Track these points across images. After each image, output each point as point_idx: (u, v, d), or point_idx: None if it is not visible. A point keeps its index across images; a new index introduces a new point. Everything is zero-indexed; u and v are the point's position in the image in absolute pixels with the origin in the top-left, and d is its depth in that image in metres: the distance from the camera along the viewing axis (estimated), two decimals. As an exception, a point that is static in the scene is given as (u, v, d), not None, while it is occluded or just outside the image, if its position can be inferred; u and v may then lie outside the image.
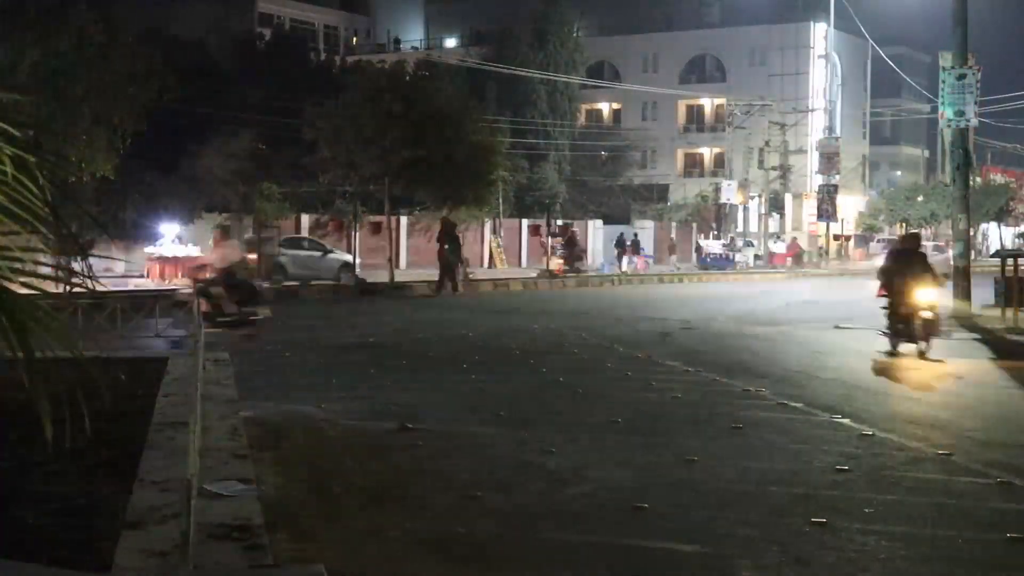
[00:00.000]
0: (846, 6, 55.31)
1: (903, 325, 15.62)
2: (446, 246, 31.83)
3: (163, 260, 31.23)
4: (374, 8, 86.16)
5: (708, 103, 74.19)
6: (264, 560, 5.15)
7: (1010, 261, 21.54)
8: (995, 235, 73.10)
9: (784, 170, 63.85)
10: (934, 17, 54.78)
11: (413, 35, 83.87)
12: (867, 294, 30.56)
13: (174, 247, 32.26)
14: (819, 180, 61.05)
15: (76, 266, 4.15)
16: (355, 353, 15.85)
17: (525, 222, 52.59)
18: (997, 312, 21.50)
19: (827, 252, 58.34)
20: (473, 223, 42.24)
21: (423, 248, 44.61)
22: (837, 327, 20.44)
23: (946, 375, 14.15)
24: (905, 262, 15.87)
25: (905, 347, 15.66)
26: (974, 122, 22.47)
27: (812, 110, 67.88)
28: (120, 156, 22.52)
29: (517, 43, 62.02)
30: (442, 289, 31.18)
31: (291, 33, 60.34)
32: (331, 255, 35.94)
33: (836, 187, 57.43)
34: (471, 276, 36.70)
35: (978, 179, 57.86)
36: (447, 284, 31.38)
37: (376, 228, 39.35)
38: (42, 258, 3.87)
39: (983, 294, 23.02)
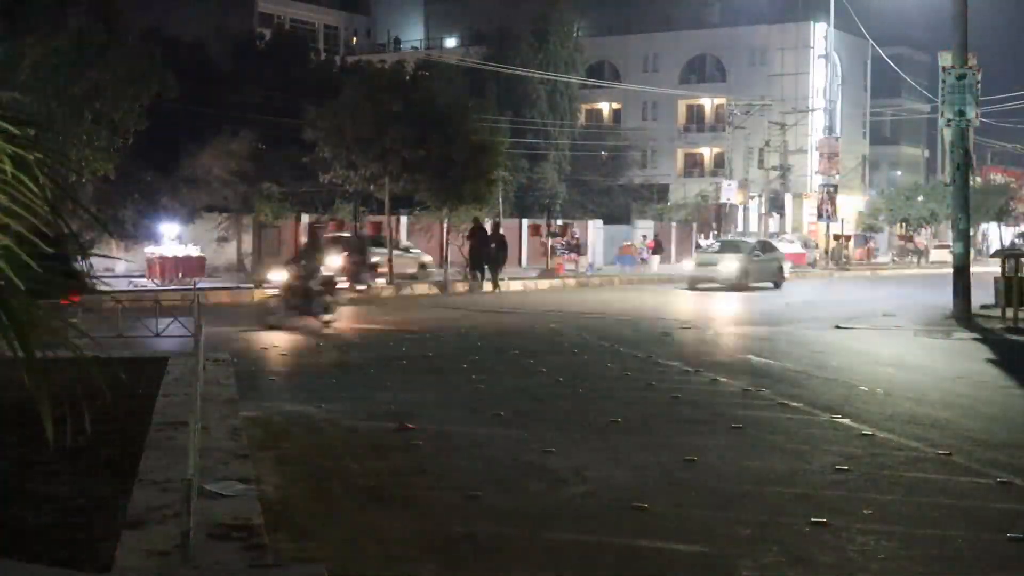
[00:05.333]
0: (846, 6, 55.29)
1: None
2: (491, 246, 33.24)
3: (163, 260, 31.22)
4: (374, 8, 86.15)
5: (708, 103, 74.19)
6: (264, 560, 5.15)
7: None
8: (995, 235, 73.10)
9: (784, 170, 63.88)
10: (934, 17, 54.78)
11: (413, 35, 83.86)
12: (870, 295, 30.67)
13: (174, 247, 32.25)
14: (819, 180, 61.04)
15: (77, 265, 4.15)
16: (355, 353, 15.86)
17: (525, 222, 52.59)
18: (997, 312, 21.49)
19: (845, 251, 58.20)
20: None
21: (423, 248, 44.63)
22: (837, 327, 20.44)
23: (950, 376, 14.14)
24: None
25: None
26: (974, 122, 22.46)
27: (812, 110, 67.88)
28: (120, 156, 22.54)
29: (517, 43, 61.99)
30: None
31: (291, 33, 60.24)
32: None
33: (836, 187, 57.42)
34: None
35: (978, 179, 57.83)
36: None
37: (376, 228, 39.36)
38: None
39: (983, 294, 23.02)
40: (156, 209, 33.81)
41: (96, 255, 15.13)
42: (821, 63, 70.14)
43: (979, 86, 22.24)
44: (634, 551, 6.08)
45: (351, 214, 37.32)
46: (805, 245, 58.84)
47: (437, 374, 13.57)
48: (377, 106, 31.58)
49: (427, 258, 39.37)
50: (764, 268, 35.42)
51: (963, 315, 21.78)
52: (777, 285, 35.38)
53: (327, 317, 19.11)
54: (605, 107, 76.11)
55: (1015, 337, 19.04)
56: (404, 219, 42.87)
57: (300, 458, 8.35)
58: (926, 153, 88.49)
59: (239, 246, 38.11)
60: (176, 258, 31.35)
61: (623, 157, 68.86)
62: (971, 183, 24.19)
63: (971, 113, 22.09)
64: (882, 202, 69.40)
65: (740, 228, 63.98)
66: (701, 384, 12.72)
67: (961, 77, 22.06)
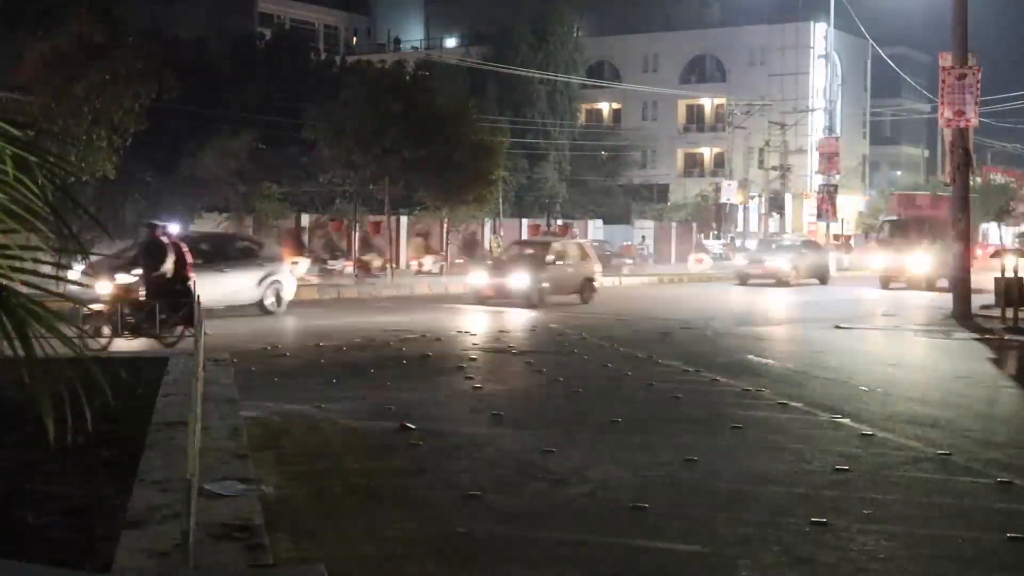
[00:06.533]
0: (846, 6, 55.29)
1: None
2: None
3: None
4: (374, 8, 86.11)
5: (708, 103, 74.17)
6: (264, 560, 5.15)
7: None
8: (995, 235, 73.05)
9: (784, 170, 63.83)
10: (934, 17, 54.76)
11: (413, 35, 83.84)
12: (870, 295, 30.60)
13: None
14: (819, 180, 61.04)
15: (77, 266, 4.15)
16: (355, 353, 15.84)
17: (525, 222, 52.61)
18: (997, 312, 21.48)
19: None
20: (473, 223, 42.28)
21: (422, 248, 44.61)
22: (837, 327, 20.43)
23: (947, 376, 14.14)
24: None
25: None
26: (974, 122, 22.45)
27: (812, 110, 67.87)
28: (120, 156, 22.52)
29: (517, 43, 62.00)
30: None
31: (291, 33, 60.27)
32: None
33: (836, 187, 57.43)
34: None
35: (978, 179, 57.77)
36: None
37: (376, 228, 39.39)
38: (42, 257, 3.87)
39: (983, 294, 23.01)
40: (156, 209, 33.78)
41: (96, 254, 15.14)
42: (821, 63, 70.14)
43: (979, 86, 22.24)
44: (634, 551, 6.08)
45: (351, 214, 37.29)
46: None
47: (436, 374, 13.56)
48: (377, 106, 31.61)
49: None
50: (812, 265, 37.59)
51: (963, 315, 21.77)
52: (823, 282, 37.13)
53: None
54: (605, 107, 76.08)
55: (1015, 337, 19.03)
56: (404, 219, 42.89)
57: (300, 458, 8.35)
58: (926, 153, 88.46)
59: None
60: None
61: (623, 157, 68.83)
62: (971, 183, 24.18)
63: (971, 113, 22.08)
64: (882, 202, 69.37)
65: (740, 228, 63.99)
66: (701, 384, 12.72)
67: (961, 77, 22.06)
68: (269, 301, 21.86)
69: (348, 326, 19.54)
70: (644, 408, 10.99)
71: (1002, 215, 67.90)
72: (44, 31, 20.46)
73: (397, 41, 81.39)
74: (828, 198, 56.06)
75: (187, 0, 59.91)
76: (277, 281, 22.12)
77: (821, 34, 68.09)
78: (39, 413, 3.30)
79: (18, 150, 3.50)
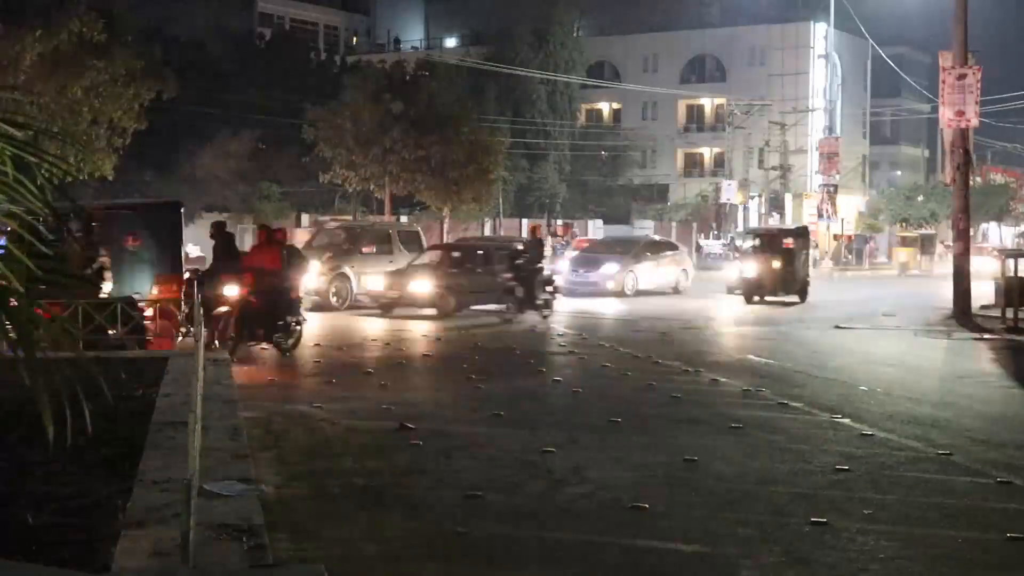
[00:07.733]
0: (846, 6, 55.27)
1: None
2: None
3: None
4: (374, 8, 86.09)
5: (708, 103, 74.14)
6: (264, 560, 5.15)
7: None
8: (995, 235, 73.06)
9: (784, 170, 63.84)
10: (934, 17, 54.75)
11: (413, 35, 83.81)
12: (870, 295, 30.57)
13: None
14: (819, 180, 61.05)
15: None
16: (354, 353, 15.85)
17: (525, 222, 52.62)
18: (997, 312, 21.48)
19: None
20: (473, 223, 42.27)
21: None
22: (837, 327, 20.43)
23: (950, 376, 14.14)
24: None
25: None
26: (974, 122, 22.45)
27: (812, 110, 67.83)
28: (119, 156, 22.52)
29: (517, 43, 61.99)
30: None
31: (291, 33, 60.28)
32: None
33: (836, 187, 57.42)
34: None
35: (978, 179, 57.78)
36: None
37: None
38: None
39: (983, 294, 23.00)
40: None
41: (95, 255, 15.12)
42: (821, 63, 70.10)
43: (979, 86, 22.23)
44: (634, 551, 6.08)
45: (351, 213, 37.36)
46: None
47: (436, 374, 13.56)
48: (377, 106, 31.63)
49: None
50: None
51: (963, 315, 21.77)
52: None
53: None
54: (605, 107, 76.04)
55: (1015, 337, 19.03)
56: (404, 219, 42.91)
57: (300, 458, 8.35)
58: (926, 153, 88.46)
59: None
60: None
61: (623, 157, 68.82)
62: (971, 183, 24.18)
63: (971, 113, 22.08)
64: (882, 202, 69.38)
65: (740, 228, 63.97)
66: (701, 384, 12.71)
67: (961, 77, 22.06)
68: None
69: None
70: (644, 408, 10.98)
71: (1002, 215, 67.95)
72: (44, 30, 20.45)
73: (397, 41, 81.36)
74: (828, 198, 56.06)
75: (187, 0, 59.89)
76: None
77: (821, 34, 68.07)
78: (39, 413, 3.30)
79: (17, 150, 3.50)
